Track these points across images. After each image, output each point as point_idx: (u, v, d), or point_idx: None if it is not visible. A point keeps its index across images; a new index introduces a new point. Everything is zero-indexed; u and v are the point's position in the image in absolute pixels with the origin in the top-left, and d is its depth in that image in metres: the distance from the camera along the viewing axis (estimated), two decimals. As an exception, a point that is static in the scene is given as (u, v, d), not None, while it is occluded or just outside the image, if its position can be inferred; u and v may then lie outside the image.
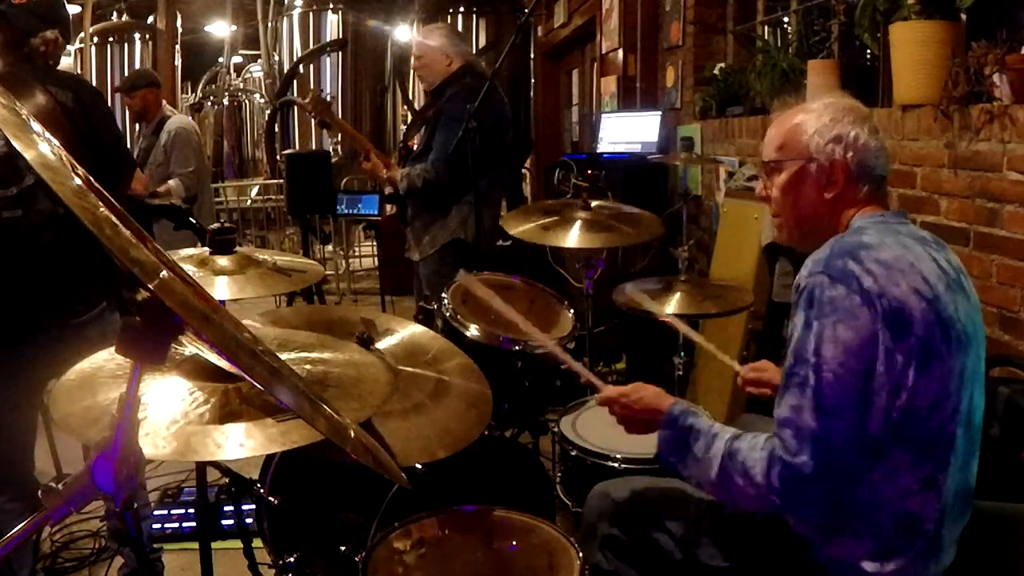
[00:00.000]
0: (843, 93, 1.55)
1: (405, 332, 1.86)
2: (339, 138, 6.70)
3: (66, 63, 2.47)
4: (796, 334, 1.36)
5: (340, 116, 6.64)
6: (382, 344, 1.78)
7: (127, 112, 4.78)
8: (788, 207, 1.52)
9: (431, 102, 3.56)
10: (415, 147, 3.55)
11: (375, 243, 7.33)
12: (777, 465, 1.33)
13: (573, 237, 2.64)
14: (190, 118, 4.69)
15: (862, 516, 1.37)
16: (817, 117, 1.47)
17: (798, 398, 1.33)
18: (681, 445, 1.48)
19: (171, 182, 4.26)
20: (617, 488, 1.71)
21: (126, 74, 7.89)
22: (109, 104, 2.47)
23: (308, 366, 1.26)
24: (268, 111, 7.76)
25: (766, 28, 4.02)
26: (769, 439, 1.36)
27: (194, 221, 2.59)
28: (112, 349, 1.20)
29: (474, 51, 6.47)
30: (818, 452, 1.30)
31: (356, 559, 1.55)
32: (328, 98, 3.49)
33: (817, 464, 1.30)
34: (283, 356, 1.24)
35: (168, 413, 1.07)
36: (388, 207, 4.32)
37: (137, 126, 4.66)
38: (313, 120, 3.62)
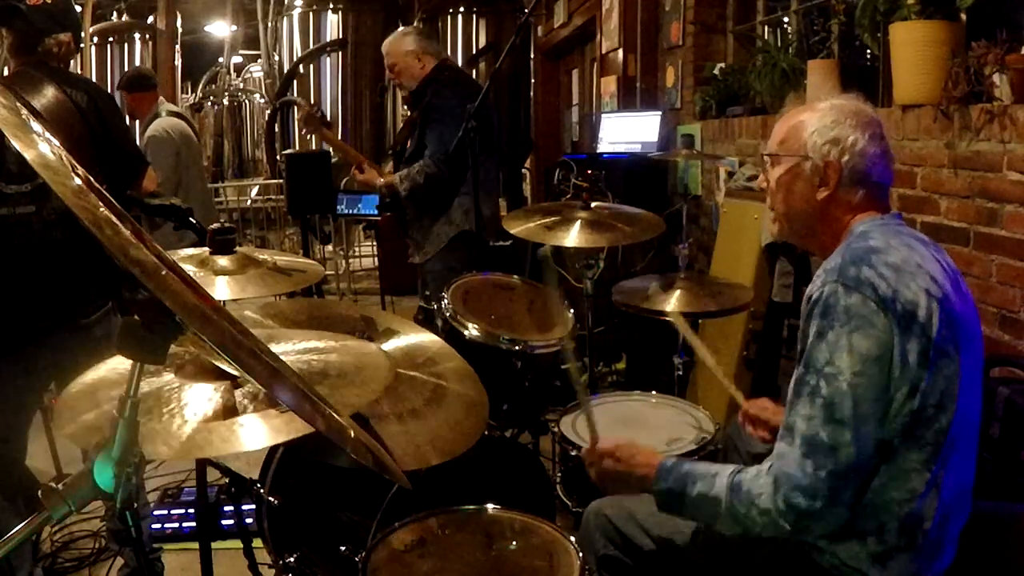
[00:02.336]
0: (857, 95, 1.54)
1: (404, 333, 1.85)
2: (338, 139, 6.72)
3: (66, 63, 2.56)
4: (809, 343, 1.35)
5: (338, 118, 6.67)
6: (381, 345, 1.78)
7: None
8: (781, 201, 1.53)
9: (415, 103, 3.61)
10: (407, 149, 3.58)
11: (375, 243, 7.33)
12: (783, 485, 1.31)
13: (573, 237, 2.63)
14: (180, 119, 4.47)
15: (868, 519, 1.37)
16: (820, 117, 1.47)
17: (808, 408, 1.32)
18: (680, 494, 1.45)
19: None
20: (613, 506, 1.70)
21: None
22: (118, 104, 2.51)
23: (308, 356, 1.26)
24: (268, 111, 7.76)
25: (766, 28, 4.02)
26: (772, 465, 1.35)
27: (194, 221, 2.60)
28: (115, 359, 1.21)
29: (474, 51, 6.48)
30: (827, 464, 1.29)
31: (356, 559, 1.55)
32: (319, 113, 3.52)
33: (829, 477, 1.29)
34: (283, 345, 1.24)
35: (170, 413, 1.07)
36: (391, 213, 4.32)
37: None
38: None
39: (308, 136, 3.49)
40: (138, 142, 4.40)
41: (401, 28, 3.62)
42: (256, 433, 1.06)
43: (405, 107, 7.55)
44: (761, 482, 1.35)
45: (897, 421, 1.33)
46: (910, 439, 1.34)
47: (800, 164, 1.48)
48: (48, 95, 2.18)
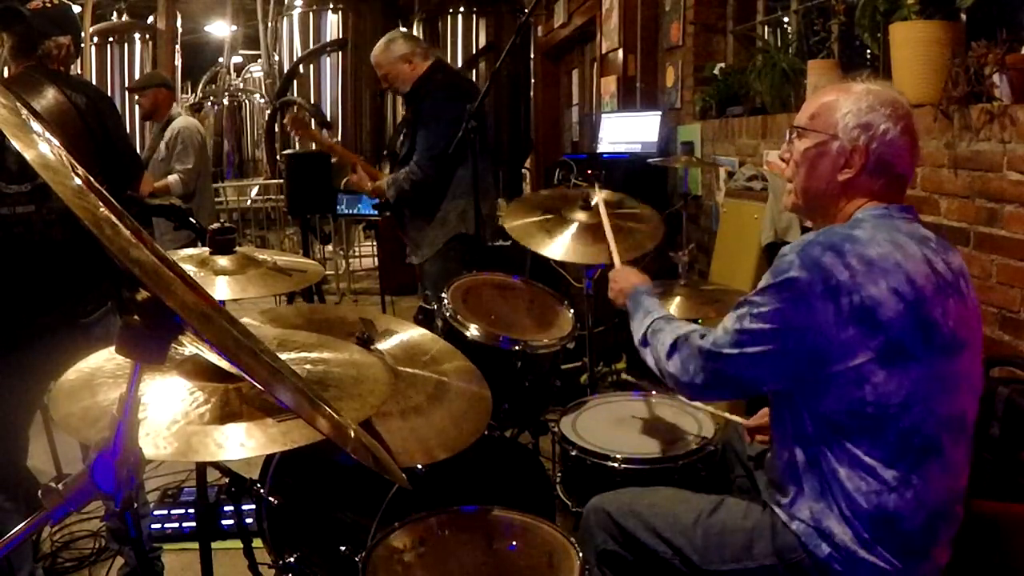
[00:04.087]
0: (890, 84, 1.55)
1: (405, 333, 1.86)
2: (339, 139, 6.72)
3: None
4: (759, 285, 1.46)
5: (338, 118, 6.67)
6: (382, 345, 1.78)
7: (136, 111, 4.92)
8: (801, 175, 1.53)
9: (408, 105, 3.61)
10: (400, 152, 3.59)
11: (375, 243, 7.33)
12: (676, 355, 1.57)
13: (566, 244, 2.52)
14: (196, 120, 4.74)
15: (836, 494, 1.40)
16: (855, 100, 1.47)
17: (728, 320, 1.48)
18: (633, 312, 1.83)
19: (169, 177, 4.36)
20: (613, 502, 1.70)
21: (126, 74, 7.92)
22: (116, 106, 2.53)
23: (308, 366, 1.26)
24: (268, 111, 7.75)
25: (766, 28, 4.02)
26: (688, 334, 1.56)
27: (194, 221, 2.60)
28: (112, 349, 1.20)
29: (474, 51, 6.47)
30: (711, 365, 1.49)
31: (356, 559, 1.55)
32: (307, 117, 3.52)
33: (709, 376, 1.50)
34: (283, 356, 1.24)
35: (168, 413, 1.07)
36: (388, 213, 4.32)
37: (148, 125, 4.78)
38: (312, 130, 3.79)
39: (295, 138, 3.52)
40: (143, 141, 4.53)
41: (386, 35, 3.61)
42: (253, 442, 1.06)
43: (404, 107, 7.57)
44: (666, 340, 1.61)
45: (843, 405, 1.37)
46: (866, 430, 1.37)
47: (828, 143, 1.48)
48: (48, 97, 2.19)
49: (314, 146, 4.56)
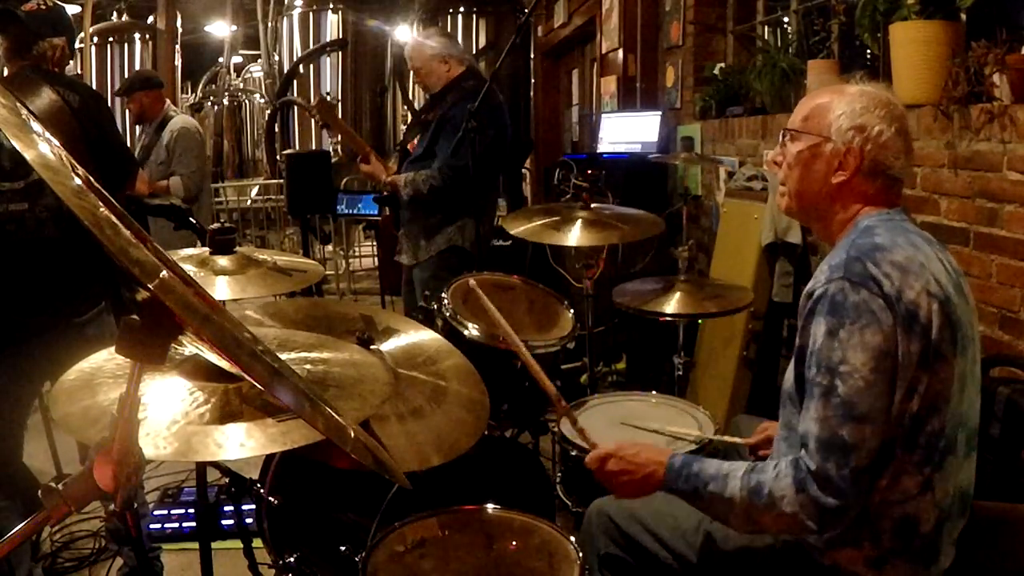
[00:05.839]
0: (886, 85, 1.53)
1: (404, 332, 1.86)
2: (339, 138, 6.72)
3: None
4: (818, 342, 1.34)
5: (341, 117, 6.67)
6: (381, 345, 1.78)
7: (127, 114, 4.72)
8: (795, 178, 1.51)
9: (432, 105, 3.55)
10: (413, 150, 3.56)
11: (375, 243, 7.33)
12: (809, 486, 1.30)
13: (575, 236, 2.64)
14: (193, 118, 4.64)
15: (864, 523, 1.37)
16: (849, 102, 1.46)
17: (823, 409, 1.31)
18: (691, 495, 1.45)
19: (172, 180, 4.24)
20: (615, 505, 1.70)
21: (126, 74, 7.90)
22: (110, 107, 2.54)
23: (308, 366, 1.25)
24: (268, 111, 7.76)
25: (766, 28, 4.02)
26: (791, 463, 1.33)
27: (194, 221, 2.60)
28: (112, 349, 1.20)
29: (474, 51, 6.48)
30: (850, 462, 1.29)
31: (356, 559, 1.55)
32: (333, 101, 3.49)
33: (852, 474, 1.29)
34: (283, 356, 1.24)
35: (168, 413, 1.07)
36: (387, 208, 4.31)
37: (138, 127, 4.63)
38: (314, 120, 3.69)
39: (320, 124, 3.48)
40: (141, 141, 4.44)
41: (423, 31, 3.60)
42: (253, 442, 1.06)
43: (405, 107, 7.57)
44: (783, 484, 1.33)
45: (897, 422, 1.32)
46: (906, 441, 1.34)
47: (821, 145, 1.46)
48: (44, 96, 2.20)
49: (330, 136, 4.52)
